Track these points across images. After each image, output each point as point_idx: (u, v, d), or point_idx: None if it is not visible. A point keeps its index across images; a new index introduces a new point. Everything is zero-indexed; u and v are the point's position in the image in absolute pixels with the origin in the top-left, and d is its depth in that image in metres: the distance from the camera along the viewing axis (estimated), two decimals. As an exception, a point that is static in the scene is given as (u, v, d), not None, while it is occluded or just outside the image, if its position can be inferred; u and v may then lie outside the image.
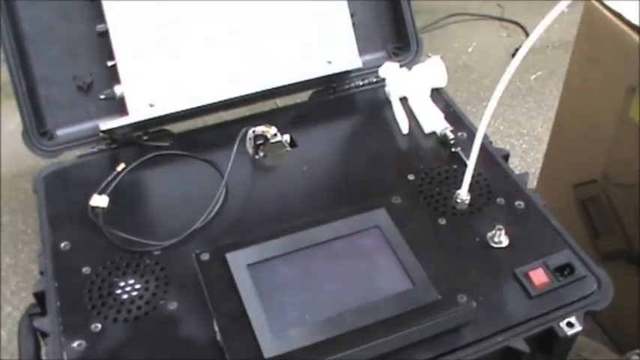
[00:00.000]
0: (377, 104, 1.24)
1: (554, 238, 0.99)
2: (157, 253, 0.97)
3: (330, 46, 1.24)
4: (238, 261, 0.90)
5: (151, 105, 1.15)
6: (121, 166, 1.10)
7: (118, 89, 1.15)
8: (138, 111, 1.14)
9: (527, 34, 2.30)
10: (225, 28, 1.18)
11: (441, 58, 1.26)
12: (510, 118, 1.96)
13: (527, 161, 1.79)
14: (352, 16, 1.27)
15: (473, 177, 1.02)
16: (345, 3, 1.25)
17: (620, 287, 1.30)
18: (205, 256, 0.91)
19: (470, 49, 2.23)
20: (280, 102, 1.33)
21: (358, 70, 1.27)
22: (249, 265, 0.89)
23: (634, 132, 1.20)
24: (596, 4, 1.23)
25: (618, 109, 1.22)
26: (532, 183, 1.60)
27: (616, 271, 1.31)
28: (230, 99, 1.18)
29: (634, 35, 1.15)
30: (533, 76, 2.12)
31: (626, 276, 1.30)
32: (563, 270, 0.94)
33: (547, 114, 1.92)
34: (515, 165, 1.77)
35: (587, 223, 1.38)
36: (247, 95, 1.18)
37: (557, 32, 2.22)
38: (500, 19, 2.41)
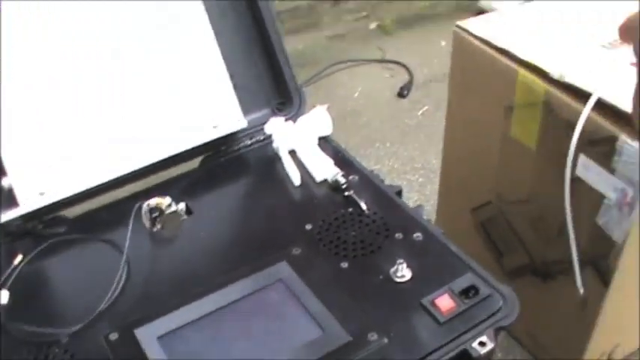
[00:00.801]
0: (267, 160, 1.25)
1: (456, 263, 1.01)
2: (65, 340, 0.95)
3: (213, 111, 1.25)
4: (148, 335, 0.89)
5: (41, 193, 1.14)
6: (19, 257, 1.07)
7: (4, 181, 1.13)
8: (28, 201, 1.13)
9: (409, 72, 2.38)
10: (106, 105, 1.18)
11: (329, 106, 1.29)
12: (404, 155, 2.01)
13: (425, 194, 1.84)
14: (232, 77, 1.28)
15: (368, 217, 1.04)
16: (223, 67, 1.26)
17: (530, 300, 1.35)
18: (114, 336, 0.90)
19: (356, 95, 2.29)
20: (172, 171, 1.33)
21: (244, 130, 1.28)
22: (159, 338, 0.89)
23: (517, 149, 1.25)
24: (464, 34, 1.29)
25: (500, 131, 1.28)
26: (432, 214, 1.64)
27: (524, 286, 1.36)
28: (120, 176, 1.17)
29: (502, 59, 1.21)
30: (420, 112, 2.19)
31: (534, 288, 1.35)
32: (468, 292, 0.96)
33: (438, 146, 1.95)
34: (415, 199, 1.82)
35: (490, 244, 1.42)
36: (136, 171, 1.18)
37: (439, 66, 2.31)
38: (383, 61, 2.49)
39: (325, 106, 1.33)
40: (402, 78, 2.37)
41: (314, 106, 1.36)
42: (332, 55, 2.52)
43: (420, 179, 1.91)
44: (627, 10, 0.76)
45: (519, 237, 1.34)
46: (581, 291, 1.15)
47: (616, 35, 1.19)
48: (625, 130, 1.05)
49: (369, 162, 1.96)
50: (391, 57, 2.50)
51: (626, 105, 1.04)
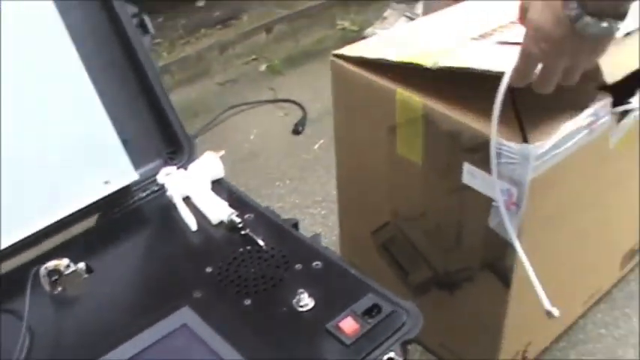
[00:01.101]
0: (163, 210, 1.25)
1: (356, 285, 1.03)
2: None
3: (103, 168, 1.25)
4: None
5: None
6: None
7: None
8: None
9: (302, 109, 2.42)
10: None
11: (225, 151, 1.31)
12: (305, 190, 2.03)
13: (329, 226, 1.86)
14: (121, 133, 1.28)
15: (267, 252, 1.06)
16: (109, 124, 1.26)
17: (440, 313, 1.38)
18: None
19: (252, 137, 2.31)
20: (71, 231, 1.32)
21: (137, 183, 1.29)
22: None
23: (406, 166, 1.29)
24: (341, 61, 1.32)
25: (387, 150, 1.31)
26: (337, 243, 1.66)
27: (433, 300, 1.39)
28: (14, 244, 1.15)
29: (379, 80, 1.25)
30: (317, 146, 2.22)
31: (442, 301, 1.38)
32: (370, 312, 0.98)
33: (337, 177, 2.02)
34: (319, 232, 1.83)
35: (394, 264, 1.45)
36: (30, 237, 1.16)
37: (330, 100, 2.33)
38: (275, 101, 2.52)
39: (220, 152, 1.35)
40: (296, 115, 2.40)
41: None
42: (225, 100, 2.53)
43: (323, 212, 1.93)
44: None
45: (420, 252, 1.37)
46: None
47: (483, 29, 1.28)
48: (502, 132, 1.09)
49: (271, 201, 1.97)
50: (283, 96, 2.54)
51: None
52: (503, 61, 1.03)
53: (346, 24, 3.08)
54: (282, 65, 2.73)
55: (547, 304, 1.12)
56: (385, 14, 2.87)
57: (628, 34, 1.22)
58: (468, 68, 1.12)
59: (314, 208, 1.95)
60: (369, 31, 2.80)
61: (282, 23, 3.03)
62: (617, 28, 0.88)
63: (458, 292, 1.34)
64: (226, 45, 2.88)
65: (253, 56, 2.84)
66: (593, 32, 0.87)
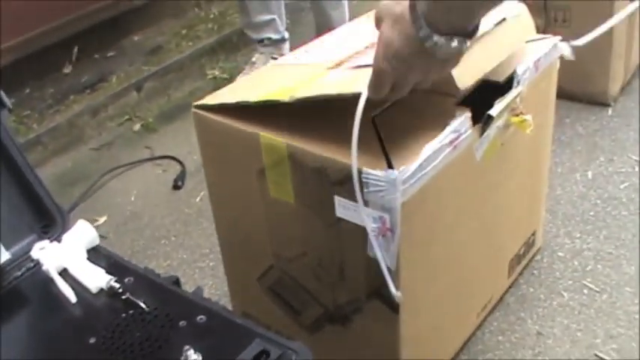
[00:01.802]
0: (41, 285, 1.21)
1: (243, 333, 1.02)
2: None
3: (-28, 251, 1.21)
4: None
5: None
6: None
7: None
8: None
9: (181, 163, 2.40)
10: None
11: (107, 216, 1.28)
12: (191, 244, 2.01)
13: (219, 277, 1.84)
14: (-12, 214, 1.25)
15: (149, 313, 1.04)
16: (-27, 205, 1.23)
17: (337, 349, 1.39)
18: None
19: (133, 198, 2.27)
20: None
21: (10, 262, 1.24)
22: None
23: (280, 207, 1.30)
24: (203, 112, 1.33)
25: (259, 194, 1.32)
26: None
27: (328, 337, 1.40)
28: None
29: (242, 126, 1.26)
30: (198, 198, 2.21)
31: (337, 336, 1.38)
32: (259, 358, 0.97)
33: (222, 226, 2.01)
34: (210, 285, 1.82)
35: (284, 306, 1.45)
36: None
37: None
38: (152, 159, 2.49)
39: (102, 218, 1.32)
40: (175, 170, 2.39)
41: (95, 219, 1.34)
42: (102, 165, 2.49)
43: (211, 263, 1.91)
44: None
45: (308, 291, 1.38)
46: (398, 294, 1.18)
47: (339, 57, 1.31)
48: (366, 160, 1.11)
49: (158, 260, 1.94)
50: (161, 152, 2.52)
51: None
52: (357, 83, 1.06)
53: (217, 72, 3.09)
54: (156, 122, 2.72)
55: (393, 289, 1.15)
56: (253, 59, 2.90)
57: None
58: (323, 95, 1.14)
59: (202, 261, 1.93)
60: (239, 77, 2.82)
61: (151, 80, 3.02)
62: (467, 47, 0.90)
63: (350, 325, 1.35)
64: (97, 109, 2.85)
65: (126, 117, 2.81)
66: (443, 52, 0.87)
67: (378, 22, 0.95)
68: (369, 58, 1.21)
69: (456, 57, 0.92)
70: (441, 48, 0.87)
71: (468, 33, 0.89)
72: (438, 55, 0.89)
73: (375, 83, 0.98)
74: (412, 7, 0.87)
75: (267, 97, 1.22)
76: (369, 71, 0.98)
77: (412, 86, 0.99)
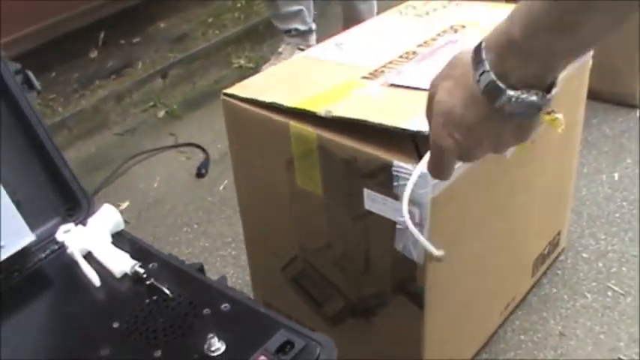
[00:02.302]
0: (65, 268, 1.21)
1: (267, 323, 1.02)
2: None
3: (-3, 231, 1.21)
4: None
5: None
6: None
7: None
8: None
9: (204, 151, 2.40)
10: None
11: (129, 202, 1.27)
12: (213, 233, 2.01)
13: (241, 266, 1.84)
14: (14, 194, 1.25)
15: (173, 300, 1.04)
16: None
17: (359, 342, 1.38)
18: None
19: (156, 184, 2.28)
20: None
21: (35, 243, 1.24)
22: None
23: (307, 198, 1.29)
24: (233, 99, 1.32)
25: (287, 184, 1.31)
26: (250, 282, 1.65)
27: (350, 330, 1.39)
28: None
29: (272, 115, 1.26)
30: (222, 186, 2.21)
31: (360, 329, 1.38)
32: (284, 349, 0.97)
33: (245, 215, 2.00)
34: (231, 273, 1.82)
35: (307, 297, 1.44)
36: None
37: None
38: (176, 146, 2.49)
39: (124, 204, 1.32)
40: (198, 158, 2.39)
41: (118, 204, 1.34)
42: (126, 151, 2.50)
43: (233, 252, 1.91)
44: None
45: (332, 283, 1.37)
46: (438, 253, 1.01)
47: (373, 65, 1.29)
48: (398, 154, 1.10)
49: (180, 247, 1.94)
50: (184, 140, 2.52)
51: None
52: (396, 109, 1.08)
53: (242, 62, 3.09)
54: (180, 109, 2.72)
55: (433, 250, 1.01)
56: (280, 49, 2.89)
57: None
58: (364, 120, 1.13)
59: (224, 249, 1.93)
60: (265, 67, 2.81)
61: (177, 67, 3.02)
62: (548, 103, 0.70)
63: (374, 319, 1.34)
64: (122, 94, 2.85)
65: (151, 103, 2.81)
66: (519, 110, 0.68)
67: (431, 99, 0.75)
68: (408, 75, 1.21)
69: (533, 119, 0.72)
70: (515, 105, 0.68)
71: (547, 87, 0.70)
72: (511, 117, 0.70)
73: (437, 164, 0.78)
74: (476, 61, 0.69)
75: (302, 106, 1.22)
76: (410, 95, 0.95)
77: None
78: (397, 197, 1.13)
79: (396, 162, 1.10)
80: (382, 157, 1.11)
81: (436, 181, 1.09)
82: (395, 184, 1.12)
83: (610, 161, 2.16)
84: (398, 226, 1.16)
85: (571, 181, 1.75)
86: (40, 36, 2.79)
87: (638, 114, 2.38)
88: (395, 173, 1.10)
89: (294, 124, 1.22)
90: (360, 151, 1.14)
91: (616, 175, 2.09)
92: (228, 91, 1.33)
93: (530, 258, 1.65)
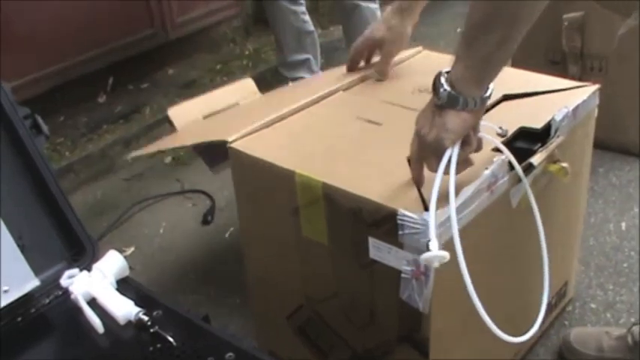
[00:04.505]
0: (68, 314, 1.21)
1: (272, 374, 1.01)
2: None
3: (1, 275, 1.21)
4: None
5: None
6: None
7: None
8: None
9: (211, 198, 2.40)
10: None
11: (134, 248, 1.27)
12: (219, 280, 2.00)
13: (245, 315, 1.80)
14: (20, 238, 1.25)
15: (178, 348, 1.03)
16: (4, 229, 1.23)
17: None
18: None
19: (161, 230, 2.27)
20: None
21: (39, 288, 1.24)
22: None
23: (313, 247, 1.28)
24: (237, 147, 1.33)
25: (293, 233, 1.31)
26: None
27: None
28: None
29: (278, 164, 1.26)
30: (227, 234, 2.21)
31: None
32: (287, 399, 0.96)
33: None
34: (236, 322, 1.80)
35: (312, 347, 1.43)
36: None
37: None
38: (182, 192, 2.50)
39: (130, 249, 1.32)
40: (205, 205, 2.39)
41: (122, 250, 1.34)
42: (132, 196, 2.50)
43: (238, 300, 1.89)
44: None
45: (337, 333, 1.36)
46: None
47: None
48: (403, 202, 1.10)
49: (185, 294, 1.93)
50: (191, 186, 2.52)
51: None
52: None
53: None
54: (187, 156, 2.72)
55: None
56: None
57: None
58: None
59: (230, 297, 1.92)
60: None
61: (184, 114, 3.03)
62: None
63: (379, 368, 1.33)
64: (130, 139, 2.86)
65: (158, 149, 2.82)
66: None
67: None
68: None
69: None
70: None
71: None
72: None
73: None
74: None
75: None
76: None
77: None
78: (402, 246, 1.13)
79: (401, 210, 1.10)
80: (387, 206, 1.11)
81: (442, 229, 1.09)
82: (400, 232, 1.11)
83: (617, 210, 2.15)
84: (403, 275, 1.16)
85: (578, 230, 1.74)
86: (50, 80, 2.81)
87: (645, 163, 2.38)
88: (400, 222, 1.10)
89: (300, 173, 1.23)
90: (365, 199, 1.14)
91: (623, 225, 2.08)
92: (234, 145, 1.34)
93: (538, 307, 1.63)
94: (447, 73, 1.07)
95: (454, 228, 1.06)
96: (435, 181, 1.07)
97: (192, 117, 1.72)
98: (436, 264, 1.06)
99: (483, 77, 1.06)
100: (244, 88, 1.86)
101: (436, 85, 1.06)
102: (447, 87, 1.05)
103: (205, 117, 1.72)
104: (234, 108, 1.77)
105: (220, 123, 1.64)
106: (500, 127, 1.27)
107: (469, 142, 1.12)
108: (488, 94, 1.08)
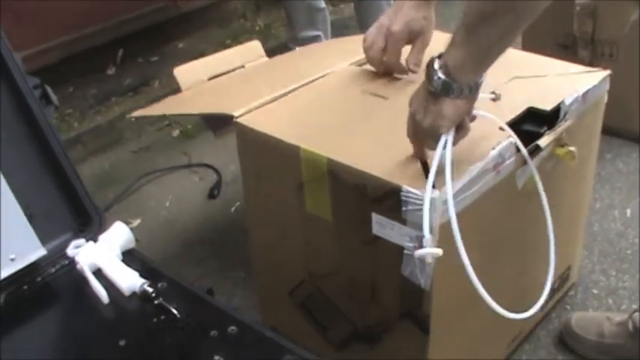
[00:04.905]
0: (74, 283, 1.23)
1: (273, 347, 1.03)
2: None
3: (8, 244, 1.22)
4: None
5: None
6: None
7: None
8: None
9: (217, 172, 2.41)
10: None
11: (141, 220, 1.28)
12: (223, 254, 2.01)
13: (250, 288, 1.82)
14: (27, 208, 1.26)
15: (181, 320, 1.04)
16: (13, 199, 1.24)
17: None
18: None
19: (168, 203, 2.28)
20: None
21: (46, 258, 1.26)
22: None
23: (316, 223, 1.29)
24: (243, 122, 1.34)
25: (297, 209, 1.32)
26: (259, 305, 1.65)
27: (355, 355, 1.38)
28: None
29: (283, 138, 1.27)
30: (233, 208, 2.21)
31: (364, 355, 1.37)
32: (288, 373, 0.97)
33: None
34: (240, 295, 1.81)
35: (313, 322, 1.44)
36: None
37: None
38: (189, 166, 2.50)
39: (136, 221, 1.33)
40: (211, 179, 2.39)
41: (128, 221, 1.35)
42: (139, 168, 2.51)
43: (242, 274, 1.91)
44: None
45: (338, 308, 1.37)
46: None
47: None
48: (407, 178, 1.11)
49: (190, 267, 1.94)
50: (198, 160, 2.53)
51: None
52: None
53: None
54: (195, 130, 2.73)
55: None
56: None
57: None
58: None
59: (234, 271, 1.93)
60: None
61: (193, 87, 3.02)
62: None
63: (379, 346, 1.34)
64: (138, 112, 2.86)
65: (166, 122, 2.82)
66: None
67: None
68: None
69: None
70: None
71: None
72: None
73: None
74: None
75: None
76: None
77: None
78: (405, 222, 1.13)
79: (405, 187, 1.10)
80: (391, 182, 1.12)
81: (446, 207, 1.10)
82: (404, 209, 1.11)
83: (623, 197, 2.15)
84: (405, 252, 1.16)
85: (583, 215, 1.74)
86: (60, 51, 2.82)
87: (654, 150, 2.37)
88: (404, 198, 1.11)
89: (305, 149, 1.23)
90: (369, 175, 1.14)
91: (628, 212, 2.08)
92: (240, 120, 1.34)
93: (541, 291, 1.64)
94: (440, 58, 1.05)
95: (451, 212, 1.07)
96: (431, 170, 1.08)
97: (197, 77, 1.71)
98: (429, 260, 1.08)
99: (482, 65, 1.05)
100: (251, 50, 1.85)
101: (429, 71, 1.06)
102: (441, 75, 1.04)
103: (210, 78, 1.72)
104: (241, 71, 1.76)
105: (226, 90, 1.63)
106: (493, 92, 1.26)
107: (463, 125, 1.12)
108: (482, 79, 1.08)
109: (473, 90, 1.07)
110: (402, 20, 1.38)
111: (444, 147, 1.09)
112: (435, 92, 1.06)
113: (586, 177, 1.65)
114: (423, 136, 1.12)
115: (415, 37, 1.41)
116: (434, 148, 1.10)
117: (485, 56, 1.04)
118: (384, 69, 1.47)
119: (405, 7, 1.38)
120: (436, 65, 1.05)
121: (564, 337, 1.63)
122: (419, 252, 1.08)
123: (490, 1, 0.98)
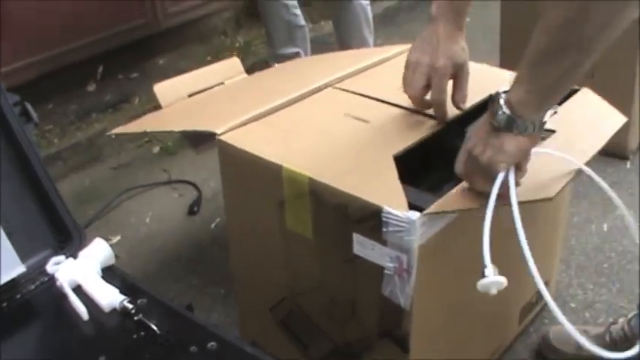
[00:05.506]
0: (53, 300, 1.22)
1: (252, 363, 1.03)
2: None
3: (-12, 261, 1.22)
4: None
5: None
6: None
7: None
8: None
9: (197, 189, 2.41)
10: None
11: (121, 236, 1.28)
12: (203, 270, 2.01)
13: (229, 305, 1.83)
14: (7, 224, 1.26)
15: (161, 336, 1.04)
16: (-9, 215, 1.24)
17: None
18: None
19: (147, 220, 2.28)
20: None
21: (25, 275, 1.25)
22: None
23: (297, 241, 1.30)
24: (225, 140, 1.34)
25: (278, 226, 1.33)
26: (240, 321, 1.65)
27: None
28: None
29: (266, 157, 1.27)
30: (213, 225, 2.22)
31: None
32: (268, 390, 0.98)
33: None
34: (220, 312, 1.81)
35: (294, 339, 1.44)
36: None
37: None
38: (169, 182, 2.50)
39: (116, 238, 1.33)
40: (191, 195, 2.40)
41: (108, 238, 1.35)
42: (119, 185, 2.51)
43: (222, 291, 1.91)
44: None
45: (318, 326, 1.37)
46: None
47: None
48: (388, 200, 1.12)
49: (169, 283, 1.94)
50: (178, 177, 2.53)
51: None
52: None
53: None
54: (175, 146, 2.73)
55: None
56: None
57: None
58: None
59: (214, 287, 1.93)
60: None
61: (173, 104, 3.03)
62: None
63: (359, 362, 1.35)
64: (118, 129, 2.86)
65: (146, 139, 2.82)
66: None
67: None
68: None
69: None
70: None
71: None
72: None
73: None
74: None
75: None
76: None
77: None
78: (386, 243, 1.14)
79: (386, 208, 1.11)
80: (373, 203, 1.13)
81: (425, 228, 1.11)
82: (384, 230, 1.13)
83: (600, 212, 2.17)
84: (386, 272, 1.17)
85: (560, 230, 1.76)
86: (40, 67, 2.81)
87: (628, 165, 2.40)
88: (385, 219, 1.12)
89: (287, 168, 1.24)
90: (351, 196, 1.15)
91: (605, 226, 2.11)
92: (223, 137, 1.35)
93: (518, 306, 1.65)
94: (505, 93, 1.04)
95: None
96: (488, 208, 1.09)
97: (177, 94, 1.72)
98: (494, 291, 1.08)
99: (546, 103, 1.04)
100: (230, 67, 1.86)
101: (494, 106, 1.04)
102: (506, 110, 1.02)
103: (190, 95, 1.72)
104: (220, 88, 1.77)
105: (207, 107, 1.64)
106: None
107: (521, 167, 1.11)
108: (546, 118, 1.06)
109: (537, 128, 1.05)
110: (445, 55, 1.29)
111: (500, 186, 1.08)
112: (498, 127, 1.04)
113: (563, 192, 1.66)
114: (476, 173, 1.11)
115: (458, 70, 1.33)
116: (482, 188, 1.10)
117: (549, 94, 1.03)
118: (434, 107, 1.36)
119: (442, 39, 1.28)
120: (501, 101, 1.03)
121: (543, 350, 1.65)
122: (482, 282, 1.07)
123: (550, 38, 0.96)
